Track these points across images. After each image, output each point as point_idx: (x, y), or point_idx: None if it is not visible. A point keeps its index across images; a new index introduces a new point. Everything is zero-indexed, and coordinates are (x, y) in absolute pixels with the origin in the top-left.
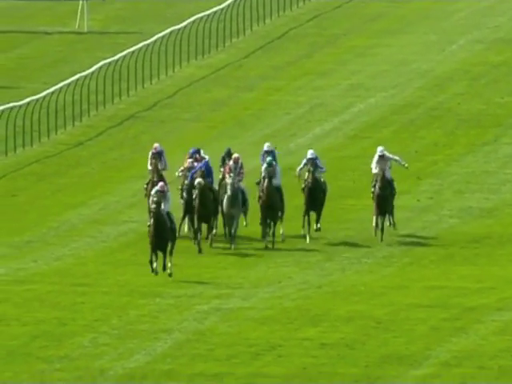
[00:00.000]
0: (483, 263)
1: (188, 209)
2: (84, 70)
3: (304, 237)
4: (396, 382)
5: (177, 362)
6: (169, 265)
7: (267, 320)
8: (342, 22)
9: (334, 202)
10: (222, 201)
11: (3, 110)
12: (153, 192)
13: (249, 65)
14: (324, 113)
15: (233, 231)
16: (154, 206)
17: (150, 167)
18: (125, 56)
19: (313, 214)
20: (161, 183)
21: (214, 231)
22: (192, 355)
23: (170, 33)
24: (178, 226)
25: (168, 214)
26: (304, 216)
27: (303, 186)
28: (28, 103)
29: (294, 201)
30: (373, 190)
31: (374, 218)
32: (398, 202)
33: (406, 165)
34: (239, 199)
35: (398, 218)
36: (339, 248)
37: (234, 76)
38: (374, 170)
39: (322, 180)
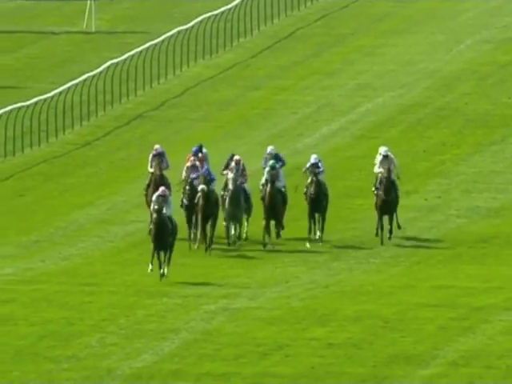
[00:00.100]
0: (491, 263)
1: (190, 216)
2: (92, 70)
3: (310, 240)
4: (403, 381)
5: (184, 362)
6: (165, 269)
7: (275, 320)
8: (350, 21)
9: (341, 202)
10: (225, 199)
11: (11, 110)
12: (154, 197)
13: (256, 64)
14: (331, 113)
15: (232, 233)
16: (155, 209)
17: (150, 169)
18: (132, 56)
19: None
20: (162, 188)
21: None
22: (199, 355)
23: (178, 32)
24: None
25: (169, 218)
26: (309, 220)
27: (305, 190)
28: (36, 103)
29: (302, 201)
30: (375, 192)
31: (378, 220)
32: (405, 201)
33: (399, 176)
34: (241, 198)
35: (406, 217)
36: (347, 248)
37: (241, 76)
38: (378, 170)
39: (324, 183)
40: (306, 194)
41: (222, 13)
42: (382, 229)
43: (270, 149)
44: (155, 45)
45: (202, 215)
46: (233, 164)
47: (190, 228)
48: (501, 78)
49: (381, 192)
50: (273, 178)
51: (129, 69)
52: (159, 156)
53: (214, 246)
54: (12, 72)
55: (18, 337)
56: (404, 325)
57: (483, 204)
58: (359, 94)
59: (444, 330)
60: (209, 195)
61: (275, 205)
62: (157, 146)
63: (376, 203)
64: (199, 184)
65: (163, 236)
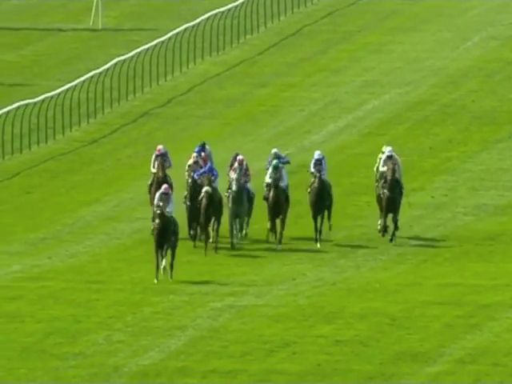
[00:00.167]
0: (498, 260)
1: (192, 216)
2: (98, 67)
3: (316, 240)
4: (410, 379)
5: (191, 359)
6: (169, 271)
7: (281, 317)
8: (356, 19)
9: (347, 199)
10: (229, 198)
11: (18, 107)
12: (157, 195)
13: (263, 61)
14: (338, 110)
15: (235, 232)
16: (158, 214)
17: (153, 169)
18: (139, 53)
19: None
20: (165, 185)
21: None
22: (206, 352)
23: (185, 30)
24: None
25: (171, 217)
26: (314, 219)
27: (309, 190)
28: (43, 100)
29: (306, 199)
30: (379, 191)
31: (381, 219)
32: (412, 198)
33: (401, 177)
34: (244, 197)
35: (412, 215)
36: (353, 245)
37: (248, 73)
38: (382, 169)
39: (328, 183)
40: (309, 193)
41: (229, 10)
42: (386, 230)
43: (273, 151)
44: (162, 42)
45: (204, 215)
46: (236, 164)
47: (191, 228)
48: (507, 74)
49: (386, 190)
50: (276, 182)
51: (135, 66)
52: (162, 156)
53: (219, 245)
54: (19, 69)
55: (24, 334)
56: (411, 322)
57: (490, 201)
58: (366, 91)
59: (451, 327)
60: (212, 196)
61: (280, 206)
62: (160, 147)
63: (380, 201)
64: (203, 183)
65: (166, 232)
